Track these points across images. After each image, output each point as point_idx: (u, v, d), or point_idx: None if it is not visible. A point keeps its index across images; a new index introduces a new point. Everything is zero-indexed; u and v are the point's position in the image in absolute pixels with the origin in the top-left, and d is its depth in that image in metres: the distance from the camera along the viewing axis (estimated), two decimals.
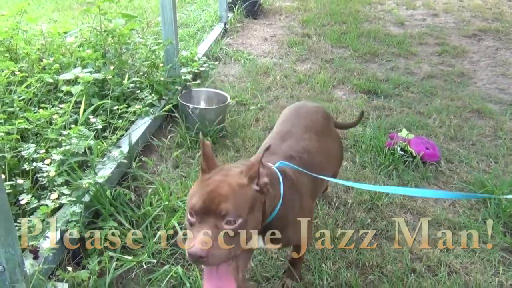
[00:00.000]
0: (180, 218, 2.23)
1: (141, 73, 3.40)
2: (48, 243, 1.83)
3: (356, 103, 3.91)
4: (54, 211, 2.02)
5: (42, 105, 2.65)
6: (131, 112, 2.79)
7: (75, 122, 2.59)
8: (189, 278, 1.98)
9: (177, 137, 3.11)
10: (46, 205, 1.84)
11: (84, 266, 1.94)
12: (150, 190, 2.44)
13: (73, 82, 2.82)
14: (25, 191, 2.02)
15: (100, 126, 2.47)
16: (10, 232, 1.66)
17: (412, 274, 2.10)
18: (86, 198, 2.13)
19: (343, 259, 2.18)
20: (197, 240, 1.24)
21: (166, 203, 2.32)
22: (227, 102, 3.31)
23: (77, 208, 1.93)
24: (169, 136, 3.12)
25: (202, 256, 1.23)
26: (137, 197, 2.44)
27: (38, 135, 2.45)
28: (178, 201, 2.35)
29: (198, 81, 3.73)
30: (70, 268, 1.77)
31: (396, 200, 2.63)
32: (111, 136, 2.57)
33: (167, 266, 2.02)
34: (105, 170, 2.35)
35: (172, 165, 2.83)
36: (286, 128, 2.01)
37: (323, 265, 2.12)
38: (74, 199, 1.95)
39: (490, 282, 2.08)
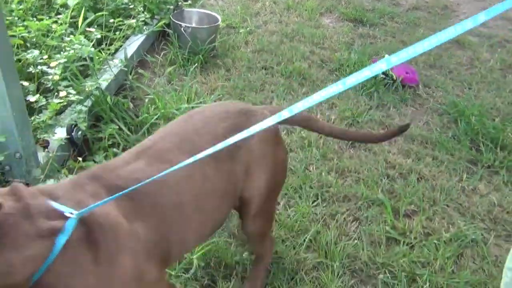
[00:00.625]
0: None
1: None
2: (57, 136, 1.99)
3: (343, 30, 4.03)
4: (59, 112, 2.17)
5: (39, 17, 2.70)
6: (126, 25, 2.87)
7: (72, 34, 2.66)
8: None
9: (169, 55, 3.21)
10: (55, 102, 1.97)
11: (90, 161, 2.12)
12: (147, 100, 2.59)
13: None
14: (30, 92, 2.14)
15: (98, 35, 2.56)
16: (25, 122, 1.81)
17: (386, 178, 2.35)
18: (88, 102, 2.28)
19: (325, 165, 2.40)
20: None
21: (163, 111, 2.47)
22: (218, 23, 3.39)
23: (83, 107, 2.07)
24: (161, 54, 3.22)
25: None
26: (135, 107, 2.59)
27: (37, 44, 2.53)
28: (174, 109, 2.51)
29: (190, 2, 3.77)
30: (80, 158, 1.94)
31: (376, 118, 2.84)
32: (109, 47, 2.67)
33: None
34: (104, 78, 2.47)
35: (166, 80, 2.96)
36: (156, 138, 1.29)
37: (307, 170, 2.35)
38: (81, 97, 2.09)
39: (454, 187, 2.35)
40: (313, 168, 2.37)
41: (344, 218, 2.09)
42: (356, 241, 1.97)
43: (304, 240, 1.92)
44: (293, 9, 4.37)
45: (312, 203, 2.15)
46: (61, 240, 0.94)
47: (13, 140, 1.75)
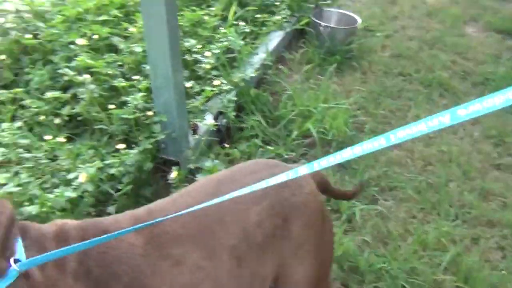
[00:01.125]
0: (315, 123, 2.40)
1: None
2: (207, 122, 2.09)
3: (488, 41, 3.73)
4: (208, 99, 2.28)
5: (192, 8, 2.87)
6: (271, 21, 2.94)
7: (220, 26, 2.79)
8: None
9: (307, 53, 3.23)
10: (208, 90, 2.08)
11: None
12: (285, 96, 2.63)
13: None
14: (185, 79, 2.28)
15: (247, 29, 2.65)
16: (182, 105, 1.93)
17: None
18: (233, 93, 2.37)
19: (467, 184, 2.25)
20: None
21: (301, 108, 2.49)
22: (356, 25, 3.34)
23: (232, 96, 2.16)
24: (299, 51, 3.24)
25: None
26: (273, 101, 2.64)
27: (189, 33, 2.68)
28: (312, 107, 2.51)
29: (329, 1, 3.75)
30: (227, 145, 2.03)
31: None
32: (253, 41, 2.75)
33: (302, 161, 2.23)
34: (250, 71, 2.55)
35: (303, 78, 2.98)
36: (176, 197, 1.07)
37: (446, 186, 2.21)
38: (231, 87, 2.18)
39: None
40: (453, 186, 2.23)
41: (488, 245, 1.93)
42: (502, 271, 1.81)
43: (442, 261, 1.81)
44: (434, 15, 4.15)
45: (451, 222, 2.02)
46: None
47: (171, 121, 1.88)
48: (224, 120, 2.26)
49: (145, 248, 0.94)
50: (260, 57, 2.63)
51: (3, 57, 2.08)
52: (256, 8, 3.10)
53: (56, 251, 0.83)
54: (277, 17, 3.01)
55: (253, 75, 2.37)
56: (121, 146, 1.74)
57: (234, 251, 1.00)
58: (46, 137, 1.70)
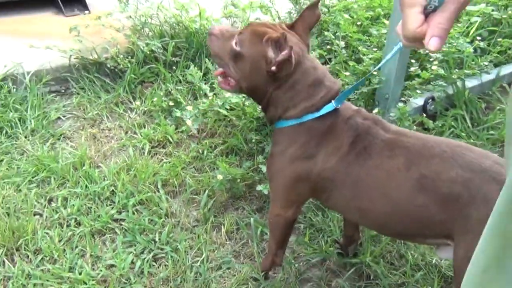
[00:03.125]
0: None
1: None
2: (416, 102, 2.64)
3: None
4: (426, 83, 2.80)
5: None
6: None
7: None
8: None
9: None
10: (426, 73, 2.63)
11: None
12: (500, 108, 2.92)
13: None
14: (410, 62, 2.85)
15: None
16: (401, 77, 2.53)
17: None
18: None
19: None
20: (221, 26, 1.56)
21: None
22: None
23: (449, 90, 2.66)
24: None
25: (209, 30, 1.54)
26: (487, 107, 2.96)
27: None
28: None
29: None
30: (426, 125, 2.55)
31: None
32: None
33: None
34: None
35: None
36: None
37: None
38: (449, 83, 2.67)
39: None
40: None
41: None
42: None
43: None
44: None
45: None
46: (313, 115, 1.42)
47: (388, 84, 2.50)
48: (433, 107, 2.74)
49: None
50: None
51: None
52: None
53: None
54: None
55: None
56: None
57: (423, 180, 1.29)
58: None
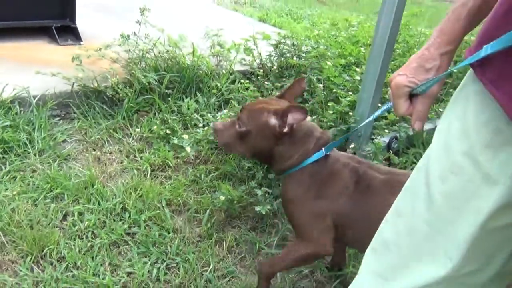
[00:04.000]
0: None
1: None
2: (382, 139, 3.05)
3: None
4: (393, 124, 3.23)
5: None
6: None
7: None
8: None
9: None
10: (392, 115, 3.05)
11: None
12: None
13: None
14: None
15: None
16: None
17: None
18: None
19: None
20: (220, 122, 1.89)
21: None
22: None
23: (410, 132, 3.09)
24: None
25: (213, 128, 1.88)
26: None
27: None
28: None
29: None
30: (390, 160, 2.95)
31: None
32: None
33: None
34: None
35: None
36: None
37: None
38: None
39: None
40: None
41: None
42: None
43: None
44: None
45: None
46: (309, 160, 1.70)
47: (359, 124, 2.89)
48: (396, 145, 3.17)
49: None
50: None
51: None
52: None
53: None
54: None
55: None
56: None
57: None
58: None
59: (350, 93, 3.11)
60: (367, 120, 1.84)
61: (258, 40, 3.72)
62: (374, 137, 3.05)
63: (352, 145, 2.83)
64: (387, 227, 1.14)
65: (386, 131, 3.04)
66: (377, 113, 1.49)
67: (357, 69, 3.37)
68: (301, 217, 1.72)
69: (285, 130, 1.67)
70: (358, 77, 3.19)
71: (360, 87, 2.99)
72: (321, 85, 3.14)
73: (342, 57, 3.61)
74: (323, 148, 1.72)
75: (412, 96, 1.11)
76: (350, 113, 2.90)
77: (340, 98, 3.02)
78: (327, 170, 1.71)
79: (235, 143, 1.80)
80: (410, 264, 1.04)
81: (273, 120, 1.69)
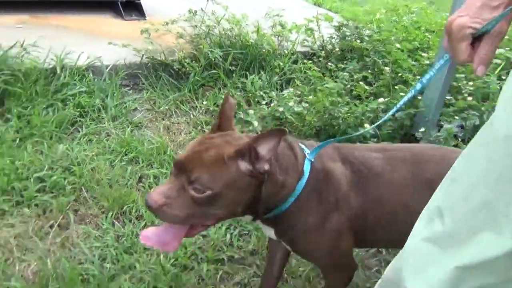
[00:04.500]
0: None
1: None
2: (449, 126, 2.98)
3: None
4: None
5: None
6: None
7: None
8: None
9: None
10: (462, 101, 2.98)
11: None
12: None
13: None
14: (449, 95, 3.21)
15: None
16: (439, 104, 2.87)
17: None
18: None
19: None
20: (156, 191, 1.18)
21: None
22: None
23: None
24: None
25: (151, 206, 1.16)
26: None
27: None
28: None
29: None
30: None
31: None
32: None
33: None
34: None
35: None
36: (401, 147, 1.64)
37: None
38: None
39: None
40: None
41: None
42: None
43: None
44: None
45: None
46: (303, 180, 1.31)
47: (429, 109, 2.84)
48: (462, 133, 3.09)
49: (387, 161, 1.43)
50: None
51: None
52: None
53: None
54: None
55: None
56: None
57: (430, 183, 1.27)
58: None
59: (418, 77, 3.05)
60: (424, 82, 1.37)
61: (320, 22, 3.69)
62: (440, 124, 2.98)
63: (422, 129, 2.78)
64: (439, 194, 1.06)
65: (457, 118, 2.97)
66: (434, 70, 1.29)
67: (424, 54, 3.29)
68: (325, 245, 1.41)
69: (266, 167, 1.21)
70: (427, 61, 3.11)
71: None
72: (387, 68, 3.09)
73: (407, 41, 3.53)
74: (307, 157, 1.36)
75: (473, 40, 1.01)
76: (419, 97, 2.84)
77: (408, 82, 2.97)
78: (319, 176, 1.37)
79: (199, 215, 1.21)
80: (468, 234, 0.94)
81: (243, 165, 1.21)
